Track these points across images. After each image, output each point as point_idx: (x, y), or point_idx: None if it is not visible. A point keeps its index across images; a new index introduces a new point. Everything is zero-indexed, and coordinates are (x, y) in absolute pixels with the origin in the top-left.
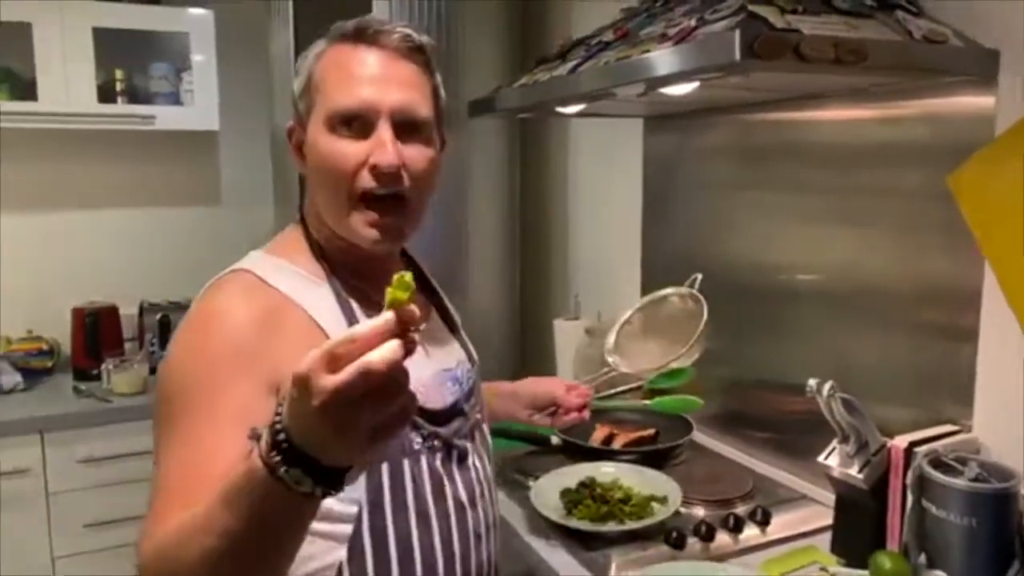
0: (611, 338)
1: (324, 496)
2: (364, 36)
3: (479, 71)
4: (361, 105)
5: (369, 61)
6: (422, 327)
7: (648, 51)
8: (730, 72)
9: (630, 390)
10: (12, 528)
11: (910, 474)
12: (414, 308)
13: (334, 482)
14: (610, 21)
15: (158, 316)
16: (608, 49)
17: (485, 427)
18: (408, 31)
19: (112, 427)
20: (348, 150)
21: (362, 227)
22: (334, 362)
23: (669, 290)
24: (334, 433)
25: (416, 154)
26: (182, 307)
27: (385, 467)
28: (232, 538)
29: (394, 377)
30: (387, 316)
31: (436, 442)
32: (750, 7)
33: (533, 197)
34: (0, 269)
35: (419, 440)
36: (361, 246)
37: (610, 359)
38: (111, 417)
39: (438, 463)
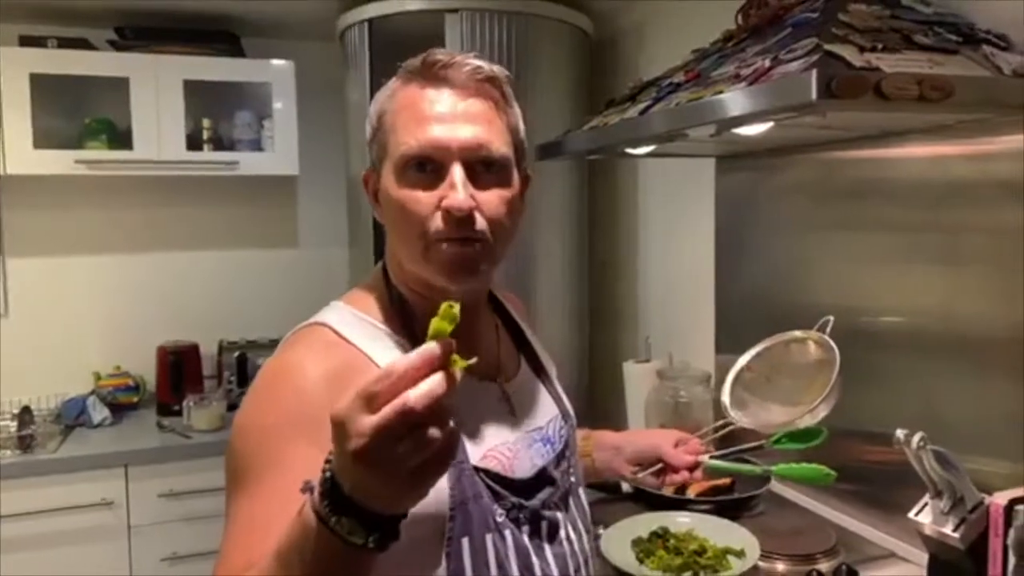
0: (727, 388)
1: (379, 548)
2: (430, 73)
3: (548, 114)
4: (429, 148)
5: (437, 100)
6: (472, 360)
7: (721, 92)
8: (807, 112)
9: (749, 449)
10: (94, 559)
11: (1011, 534)
12: (451, 341)
13: (388, 532)
14: (680, 63)
15: (236, 355)
16: (680, 90)
17: (581, 492)
18: (478, 63)
19: (191, 462)
20: (420, 196)
21: (438, 268)
22: (371, 401)
23: (796, 333)
24: (374, 476)
25: (491, 196)
26: (259, 345)
27: (467, 543)
28: None
29: (434, 414)
30: (426, 348)
31: (522, 514)
32: (826, 46)
33: (602, 237)
34: (93, 307)
35: (502, 512)
36: (439, 288)
37: (731, 413)
38: (191, 452)
39: (525, 538)
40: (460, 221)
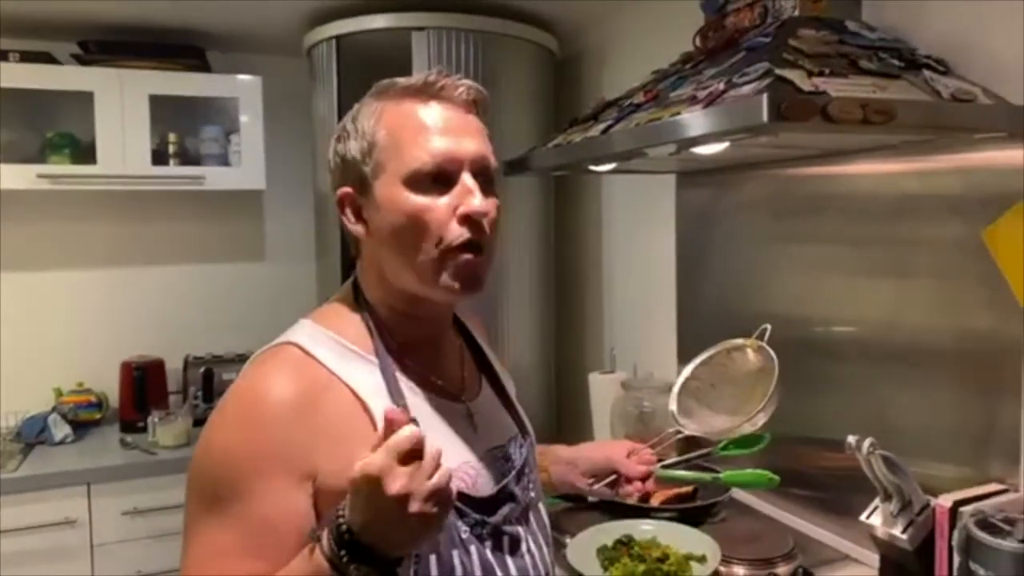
0: (674, 396)
1: None
2: (431, 90)
3: (514, 132)
4: (443, 159)
5: (441, 115)
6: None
7: (678, 113)
8: (759, 133)
9: (698, 456)
10: None
11: (956, 535)
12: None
13: (393, 571)
14: (640, 83)
15: (201, 370)
16: (639, 111)
17: (541, 507)
18: (470, 83)
19: (156, 479)
20: (435, 204)
21: (452, 276)
22: (404, 457)
23: (736, 341)
24: (409, 517)
25: (491, 205)
26: (225, 361)
27: (434, 559)
28: None
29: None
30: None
31: (484, 530)
32: (777, 71)
33: (568, 251)
34: (55, 323)
35: (466, 529)
36: (439, 301)
37: (679, 421)
38: (155, 469)
39: (488, 553)
40: (478, 226)
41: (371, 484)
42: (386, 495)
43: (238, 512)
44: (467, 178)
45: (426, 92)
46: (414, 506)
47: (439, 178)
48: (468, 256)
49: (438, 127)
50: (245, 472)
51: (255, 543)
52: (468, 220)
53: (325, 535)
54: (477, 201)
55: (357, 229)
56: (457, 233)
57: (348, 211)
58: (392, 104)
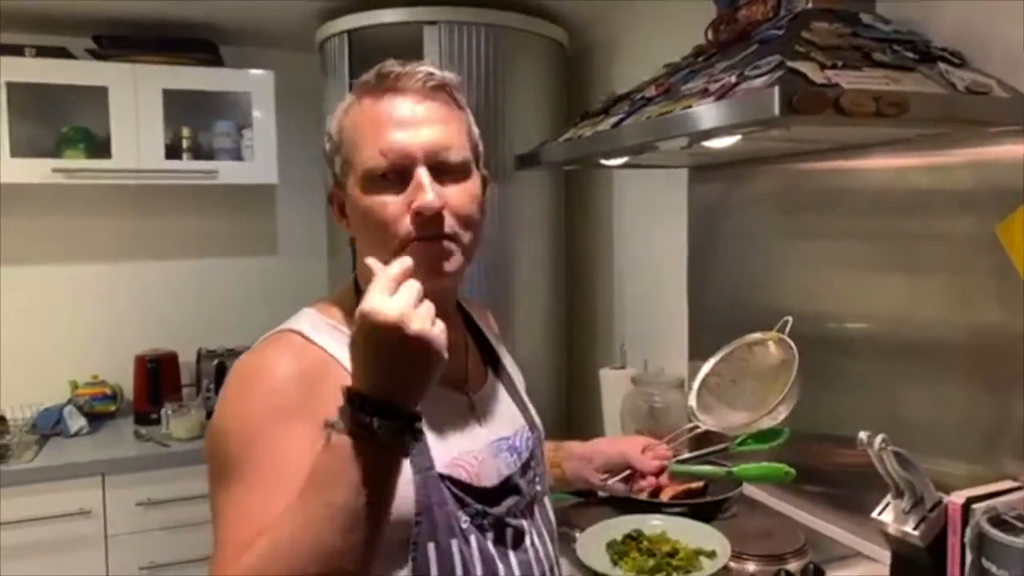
0: (694, 393)
1: (414, 439)
2: (386, 83)
3: (525, 125)
4: (395, 155)
5: (396, 107)
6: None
7: (690, 106)
8: (771, 126)
9: (714, 452)
10: (71, 569)
11: (968, 532)
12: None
13: (415, 426)
14: (651, 76)
15: (214, 363)
16: (650, 104)
17: (547, 500)
18: (429, 69)
19: (170, 471)
20: (389, 202)
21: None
22: (393, 285)
23: (756, 335)
24: (408, 345)
25: (456, 193)
26: (237, 354)
27: (432, 548)
28: (339, 512)
29: None
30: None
31: (486, 521)
32: (789, 63)
33: (578, 246)
34: (70, 316)
35: (466, 519)
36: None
37: (696, 416)
38: (169, 461)
39: (490, 545)
40: (430, 221)
41: (368, 318)
42: (383, 327)
43: (258, 470)
44: (421, 172)
45: (381, 86)
46: (414, 326)
47: (394, 174)
48: (422, 246)
49: (391, 121)
50: (262, 431)
51: (281, 492)
52: (419, 216)
53: (338, 416)
54: (429, 196)
55: (345, 225)
56: (408, 229)
57: (335, 207)
58: (355, 102)
